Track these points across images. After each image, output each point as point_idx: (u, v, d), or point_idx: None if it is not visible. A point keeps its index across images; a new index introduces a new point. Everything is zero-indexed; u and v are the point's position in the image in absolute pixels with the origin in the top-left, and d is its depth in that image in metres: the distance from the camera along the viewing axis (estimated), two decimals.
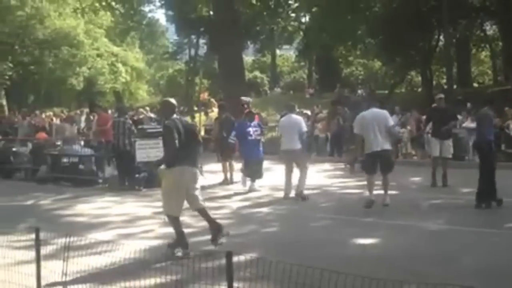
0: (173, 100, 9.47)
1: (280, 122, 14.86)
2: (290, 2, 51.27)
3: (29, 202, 14.61)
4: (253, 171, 15.11)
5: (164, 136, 8.94)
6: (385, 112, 12.74)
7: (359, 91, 42.85)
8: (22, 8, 45.78)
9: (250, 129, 15.22)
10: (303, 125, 13.90)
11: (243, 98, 17.80)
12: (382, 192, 12.29)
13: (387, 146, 12.33)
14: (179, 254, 8.24)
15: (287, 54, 73.71)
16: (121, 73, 56.40)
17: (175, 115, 8.85)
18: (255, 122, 15.70)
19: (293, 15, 54.59)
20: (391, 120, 12.80)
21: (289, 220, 11.63)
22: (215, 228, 8.77)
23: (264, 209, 12.64)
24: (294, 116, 14.22)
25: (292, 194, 13.57)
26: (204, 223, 9.56)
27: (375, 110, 12.57)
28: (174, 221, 8.77)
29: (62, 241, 6.71)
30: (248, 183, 15.03)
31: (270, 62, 66.17)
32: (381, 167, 12.26)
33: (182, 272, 5.85)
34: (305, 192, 13.52)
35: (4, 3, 45.55)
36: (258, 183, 15.15)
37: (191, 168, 8.72)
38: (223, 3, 29.45)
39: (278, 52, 68.28)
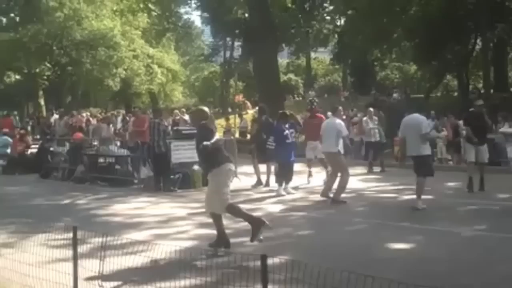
0: (206, 109, 9.93)
1: (323, 124, 14.86)
2: (325, 4, 51.17)
3: (66, 202, 14.83)
4: (286, 175, 15.11)
5: (206, 136, 9.02)
6: (421, 119, 12.73)
7: (394, 95, 42.57)
8: (60, 9, 46.38)
9: (287, 132, 15.24)
10: (343, 129, 13.83)
11: (310, 92, 18.12)
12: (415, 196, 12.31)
13: (424, 151, 12.38)
14: (261, 237, 8.65)
15: (322, 57, 73.53)
16: (156, 75, 56.74)
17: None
18: (289, 124, 15.70)
19: (328, 17, 54.43)
20: (425, 128, 12.74)
21: (324, 223, 11.60)
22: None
23: (299, 212, 12.63)
24: (336, 119, 14.15)
25: (313, 198, 13.57)
26: (239, 225, 9.64)
27: (413, 116, 12.63)
28: (219, 219, 8.95)
29: (98, 240, 6.80)
30: (283, 186, 15.03)
31: (305, 65, 66.08)
32: (417, 171, 12.31)
33: (217, 273, 5.88)
34: (341, 195, 13.48)
35: (43, 5, 46.25)
36: (292, 185, 15.14)
37: (232, 165, 9.12)
38: (259, 6, 29.51)
39: (313, 54, 68.12)
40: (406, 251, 9.12)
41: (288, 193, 14.75)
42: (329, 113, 17.47)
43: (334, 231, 10.67)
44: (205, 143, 8.71)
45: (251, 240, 8.68)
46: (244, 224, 9.47)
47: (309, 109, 17.18)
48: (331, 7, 49.89)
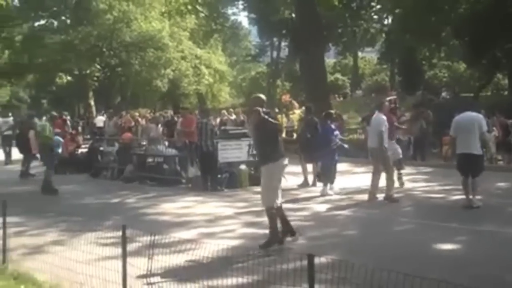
0: (262, 96, 9.96)
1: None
2: (372, 3, 50.75)
3: (115, 201, 15.07)
4: (331, 174, 15.05)
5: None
6: (479, 117, 12.62)
7: (443, 94, 41.97)
8: (110, 12, 47.11)
9: (335, 132, 15.21)
10: (382, 123, 13.73)
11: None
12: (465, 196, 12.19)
13: (480, 151, 12.25)
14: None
15: (369, 56, 73.02)
16: (204, 75, 57.15)
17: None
18: (334, 124, 15.65)
19: (375, 17, 54.01)
20: (485, 125, 12.60)
21: (370, 223, 11.53)
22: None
23: (345, 212, 12.58)
24: (380, 115, 14.04)
25: (381, 197, 13.47)
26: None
27: (467, 114, 12.47)
28: (274, 215, 9.03)
29: (147, 239, 6.88)
30: (328, 186, 14.97)
31: (352, 65, 65.71)
32: (470, 170, 12.22)
33: (263, 272, 5.91)
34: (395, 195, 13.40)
35: (93, 8, 47.04)
36: (339, 185, 15.07)
37: (287, 160, 9.33)
38: (306, 5, 29.43)
39: (360, 54, 67.68)
40: (454, 251, 9.01)
41: (335, 193, 14.69)
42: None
43: (380, 231, 10.60)
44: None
45: (260, 247, 8.72)
46: (292, 224, 9.49)
47: (392, 108, 16.70)
48: (378, 6, 49.46)
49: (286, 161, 9.23)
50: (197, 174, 16.85)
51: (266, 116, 9.06)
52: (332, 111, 16.77)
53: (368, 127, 14.58)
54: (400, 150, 15.68)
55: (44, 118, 19.17)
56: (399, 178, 15.43)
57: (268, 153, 9.10)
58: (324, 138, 15.22)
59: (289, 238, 9.20)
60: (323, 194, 14.60)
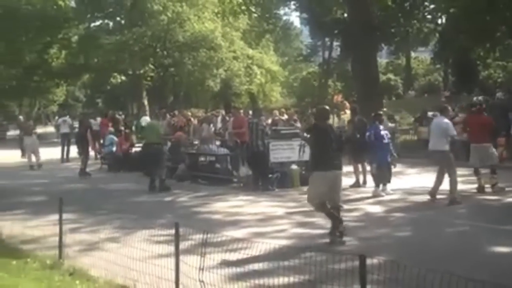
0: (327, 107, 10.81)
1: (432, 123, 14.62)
2: (426, 3, 50.01)
3: (168, 199, 15.27)
4: (384, 175, 14.92)
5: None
6: None
7: (498, 94, 41.05)
8: (164, 12, 47.65)
9: (383, 132, 15.05)
10: (450, 128, 13.55)
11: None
12: None
13: None
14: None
15: (422, 56, 72.00)
16: (256, 75, 57.27)
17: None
18: (383, 125, 15.53)
19: (429, 16, 53.17)
20: None
21: (423, 225, 11.39)
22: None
23: (397, 213, 12.47)
24: (444, 118, 13.86)
25: (413, 199, 13.32)
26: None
27: None
28: (319, 206, 9.80)
29: (199, 237, 6.96)
30: (381, 187, 14.85)
31: (405, 65, 64.86)
32: None
33: (315, 272, 5.91)
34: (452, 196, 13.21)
35: (148, 9, 47.67)
36: (391, 186, 14.93)
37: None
38: (359, 5, 29.22)
39: (412, 54, 66.79)
40: (507, 255, 8.84)
41: (387, 193, 14.57)
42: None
43: (434, 232, 10.47)
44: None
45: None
46: (344, 225, 9.48)
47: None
48: (432, 6, 48.65)
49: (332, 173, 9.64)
50: (249, 173, 16.92)
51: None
52: (381, 112, 16.54)
53: (422, 128, 14.36)
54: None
55: (145, 117, 19.47)
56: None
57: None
58: (375, 138, 15.11)
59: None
60: (375, 195, 14.49)
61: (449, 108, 14.72)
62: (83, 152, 21.01)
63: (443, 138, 13.33)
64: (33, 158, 23.57)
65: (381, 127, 15.28)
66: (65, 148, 26.69)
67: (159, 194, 15.80)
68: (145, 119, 35.20)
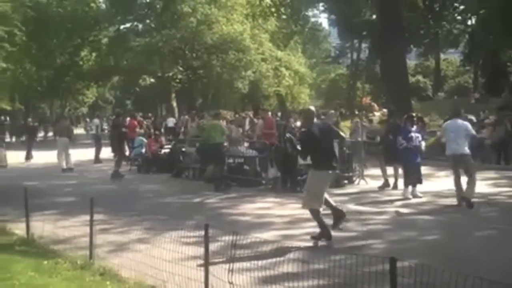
0: (312, 108, 11.12)
1: (444, 125, 14.47)
2: (456, 4, 49.68)
3: (197, 200, 15.32)
4: (413, 177, 14.81)
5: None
6: None
7: None
8: (194, 15, 47.92)
9: (413, 135, 14.94)
10: (470, 128, 13.42)
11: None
12: None
13: None
14: (323, 244, 9.36)
15: (451, 57, 71.46)
16: (284, 77, 57.33)
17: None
18: (416, 128, 15.40)
19: (459, 18, 52.81)
20: None
21: (452, 228, 11.29)
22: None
23: (426, 216, 12.36)
24: (460, 120, 13.74)
25: (441, 202, 13.19)
26: (366, 228, 9.62)
27: None
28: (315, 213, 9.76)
29: (228, 238, 6.98)
30: (410, 189, 14.74)
31: (434, 66, 64.44)
32: None
33: (344, 275, 5.91)
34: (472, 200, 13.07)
35: (178, 11, 47.99)
36: (419, 189, 14.82)
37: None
38: (388, 7, 29.06)
39: (442, 55, 66.30)
40: None
41: (415, 196, 14.46)
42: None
43: (462, 236, 10.39)
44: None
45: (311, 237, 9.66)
46: (372, 227, 9.44)
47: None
48: (462, 7, 48.33)
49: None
50: (277, 175, 16.92)
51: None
52: (413, 114, 16.41)
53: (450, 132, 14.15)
54: None
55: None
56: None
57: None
58: (404, 140, 15.02)
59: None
60: (405, 197, 14.41)
61: (463, 111, 14.52)
62: (117, 153, 21.13)
63: (463, 140, 13.19)
64: (64, 161, 23.41)
65: (413, 129, 15.17)
66: (97, 149, 26.98)
67: (187, 195, 15.88)
68: (172, 120, 35.49)
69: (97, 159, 26.48)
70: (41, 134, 48.65)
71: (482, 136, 22.64)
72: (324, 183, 9.95)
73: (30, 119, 33.99)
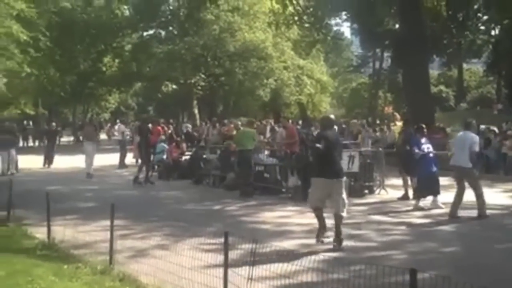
0: (332, 116, 11.71)
1: (455, 137, 14.43)
2: (479, 14, 49.34)
3: (217, 207, 15.33)
4: (425, 188, 14.68)
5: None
6: None
7: None
8: (216, 22, 48.14)
9: (423, 146, 14.88)
10: (474, 143, 13.30)
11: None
12: None
13: None
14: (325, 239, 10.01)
15: (474, 68, 70.96)
16: (306, 85, 57.31)
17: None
18: (425, 138, 15.33)
19: (482, 27, 52.43)
20: None
21: (471, 240, 11.18)
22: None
23: (445, 227, 12.27)
24: (469, 133, 13.62)
25: (460, 214, 13.06)
26: (386, 238, 9.58)
27: None
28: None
29: (248, 246, 6.99)
30: (429, 199, 14.63)
31: (457, 76, 64.02)
32: None
33: (364, 285, 5.89)
34: (487, 212, 12.96)
35: (201, 18, 48.25)
36: (440, 200, 14.71)
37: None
38: (411, 16, 28.96)
39: (465, 65, 65.85)
40: None
41: (437, 207, 14.34)
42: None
43: (481, 248, 10.29)
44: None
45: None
46: (392, 238, 9.38)
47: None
48: (485, 17, 47.97)
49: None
50: (297, 184, 16.89)
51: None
52: (424, 125, 16.21)
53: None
54: None
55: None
56: None
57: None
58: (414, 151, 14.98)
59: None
60: (416, 208, 14.34)
61: (474, 122, 14.35)
62: (141, 159, 21.05)
63: (466, 153, 13.07)
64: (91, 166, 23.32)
65: (423, 140, 15.10)
66: (122, 154, 27.18)
67: (207, 203, 15.91)
68: (187, 126, 35.60)
69: (121, 164, 26.66)
70: (63, 138, 49.05)
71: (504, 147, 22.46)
72: (315, 188, 10.31)
73: (54, 123, 34.20)
